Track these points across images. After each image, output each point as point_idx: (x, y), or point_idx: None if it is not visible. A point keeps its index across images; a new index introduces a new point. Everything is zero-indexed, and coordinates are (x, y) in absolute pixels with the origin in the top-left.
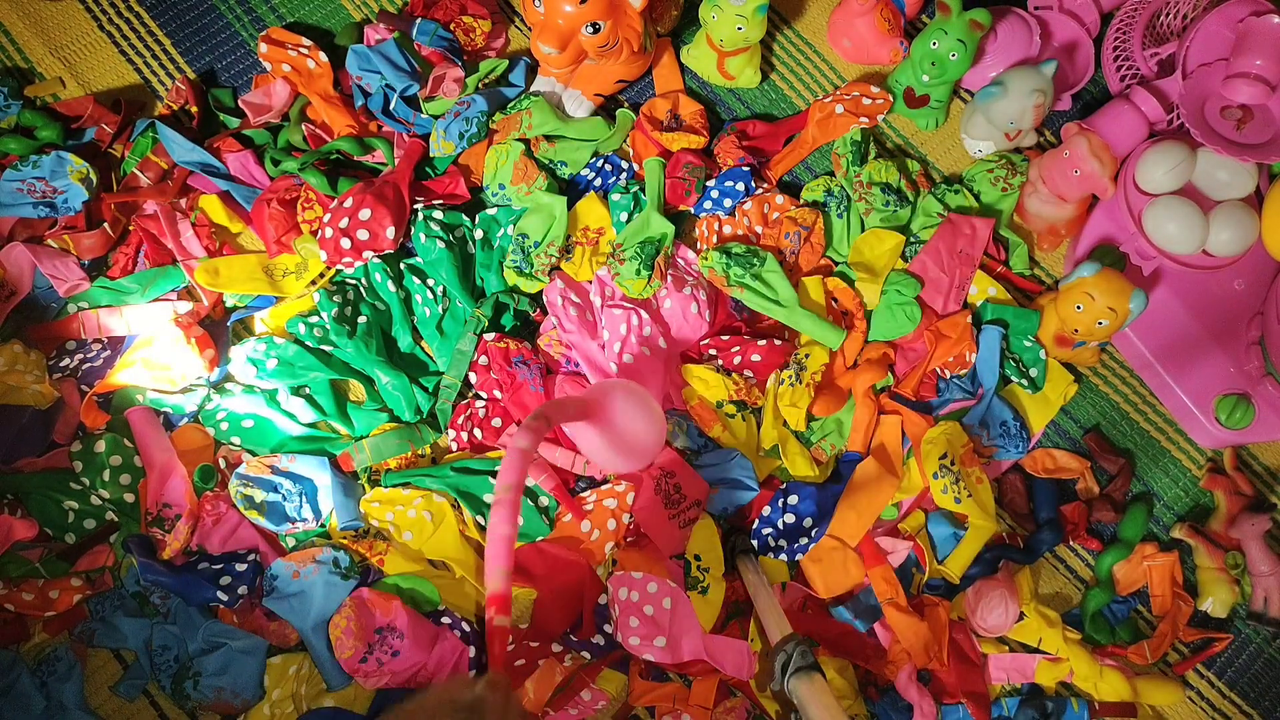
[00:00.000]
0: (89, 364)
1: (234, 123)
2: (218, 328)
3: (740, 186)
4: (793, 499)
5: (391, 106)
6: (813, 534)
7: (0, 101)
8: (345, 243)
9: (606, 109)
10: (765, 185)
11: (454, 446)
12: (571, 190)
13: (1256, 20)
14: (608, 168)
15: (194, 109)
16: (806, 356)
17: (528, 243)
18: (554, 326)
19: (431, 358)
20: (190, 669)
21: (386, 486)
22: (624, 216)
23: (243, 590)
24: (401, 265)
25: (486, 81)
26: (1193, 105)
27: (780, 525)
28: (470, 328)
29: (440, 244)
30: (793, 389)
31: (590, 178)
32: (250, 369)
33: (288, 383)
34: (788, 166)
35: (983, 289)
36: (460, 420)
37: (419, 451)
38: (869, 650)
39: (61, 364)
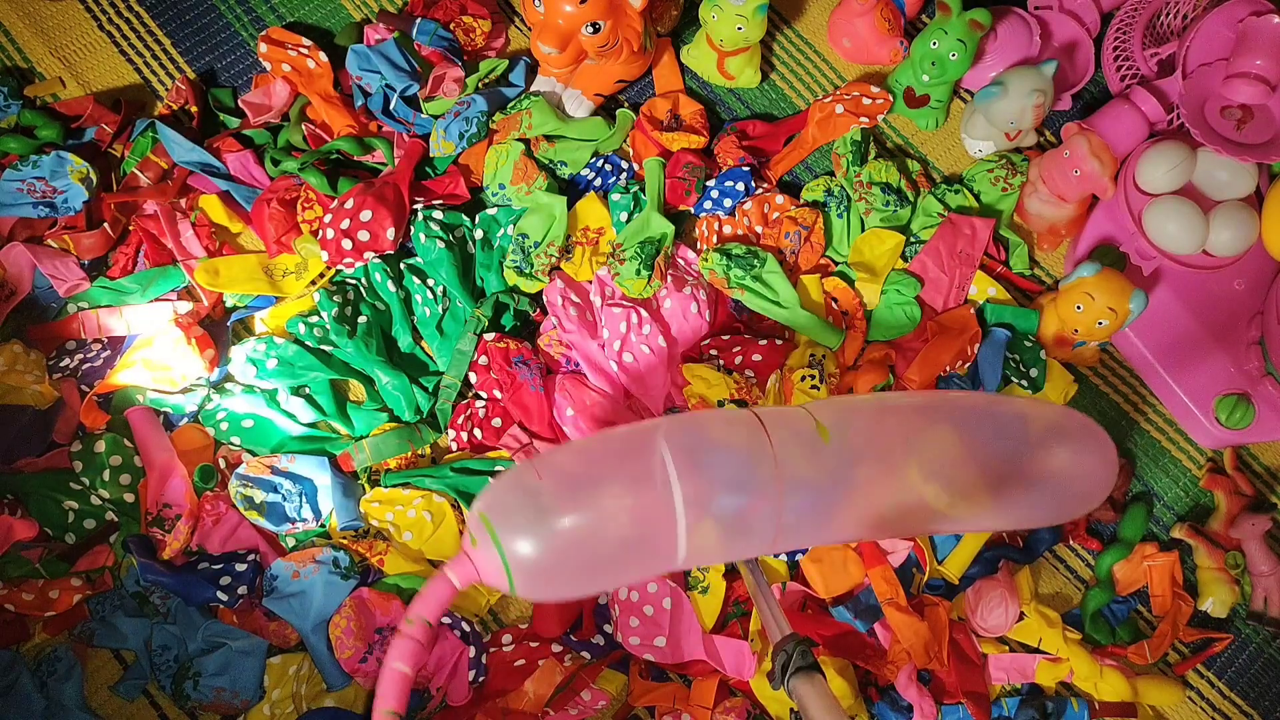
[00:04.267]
0: (89, 364)
1: (234, 123)
2: (218, 328)
3: (740, 186)
4: None
5: (391, 106)
6: None
7: (0, 101)
8: (346, 243)
9: (606, 109)
10: (765, 185)
11: (454, 446)
12: (571, 190)
13: (1256, 20)
14: (608, 168)
15: (194, 109)
16: (824, 358)
17: (528, 243)
18: (554, 326)
19: (431, 358)
20: (190, 669)
21: (386, 486)
22: (624, 216)
23: (243, 590)
24: (401, 265)
25: (486, 81)
26: (1193, 105)
27: None
28: (470, 328)
29: (440, 244)
30: (815, 392)
31: (590, 178)
32: (250, 369)
33: (288, 383)
34: (788, 166)
35: (983, 289)
36: (460, 420)
37: (419, 451)
38: (869, 650)
39: (61, 364)
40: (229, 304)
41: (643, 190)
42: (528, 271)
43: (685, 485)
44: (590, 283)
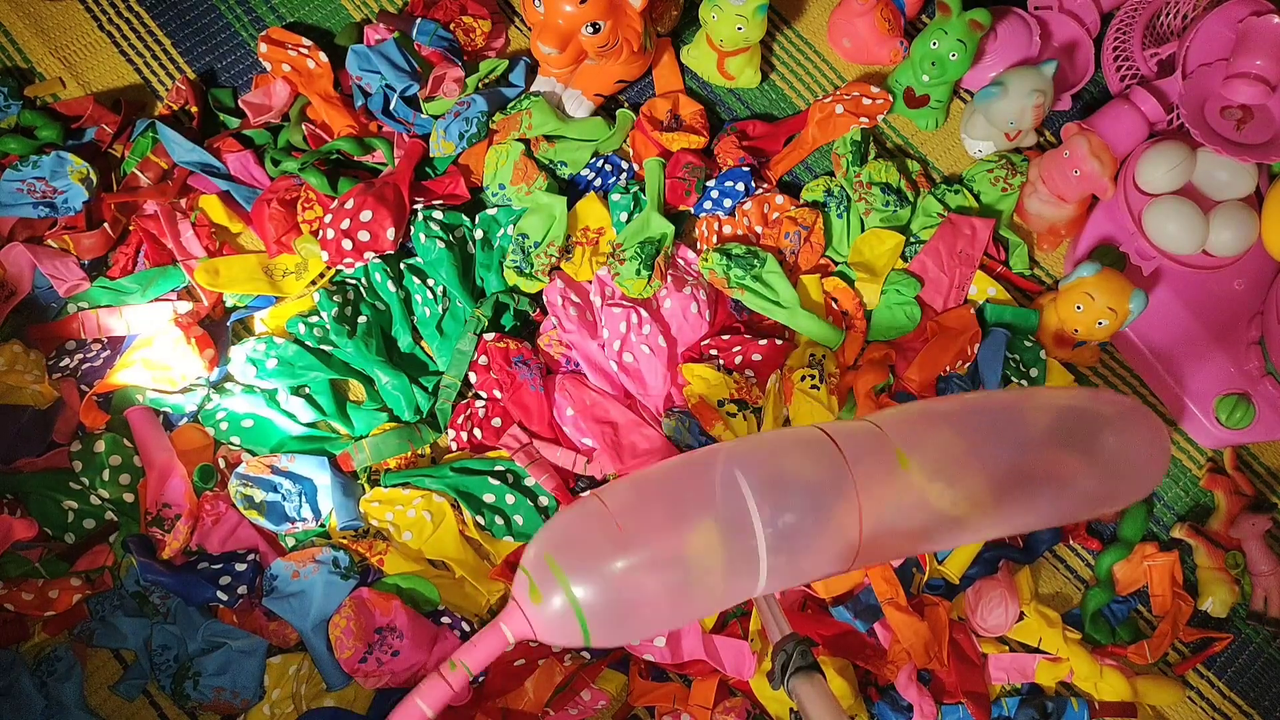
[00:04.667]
0: (89, 364)
1: (234, 123)
2: (218, 328)
3: (740, 186)
4: None
5: (391, 106)
6: None
7: (0, 101)
8: (346, 243)
9: (606, 109)
10: (765, 185)
11: (454, 446)
12: (571, 190)
13: (1256, 20)
14: (608, 168)
15: (194, 109)
16: (824, 358)
17: (528, 243)
18: (554, 326)
19: (431, 358)
20: (190, 669)
21: (386, 486)
22: (624, 216)
23: (243, 590)
24: (401, 265)
25: (486, 81)
26: (1193, 105)
27: None
28: (470, 328)
29: (440, 244)
30: (815, 392)
31: (590, 178)
32: (250, 369)
33: (288, 383)
34: (788, 166)
35: (983, 289)
36: (460, 420)
37: (419, 451)
38: (869, 650)
39: (61, 364)
40: (229, 304)
41: (643, 190)
42: (528, 271)
43: (764, 514)
44: (590, 283)
